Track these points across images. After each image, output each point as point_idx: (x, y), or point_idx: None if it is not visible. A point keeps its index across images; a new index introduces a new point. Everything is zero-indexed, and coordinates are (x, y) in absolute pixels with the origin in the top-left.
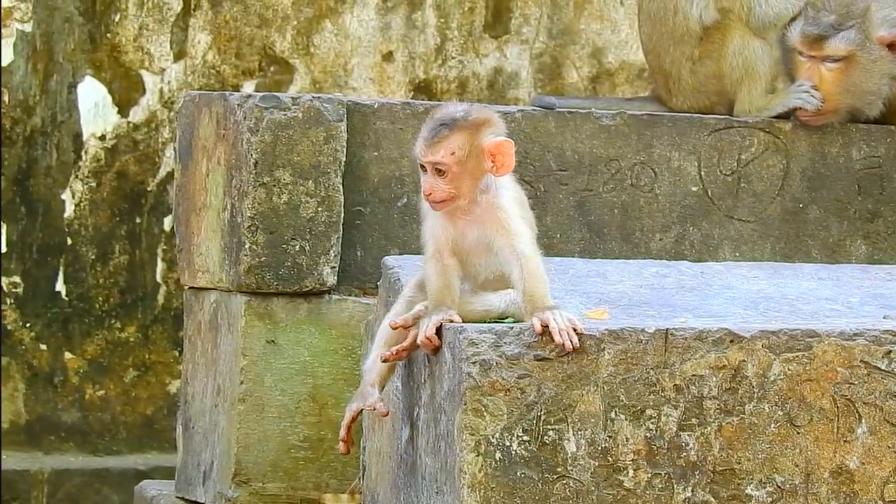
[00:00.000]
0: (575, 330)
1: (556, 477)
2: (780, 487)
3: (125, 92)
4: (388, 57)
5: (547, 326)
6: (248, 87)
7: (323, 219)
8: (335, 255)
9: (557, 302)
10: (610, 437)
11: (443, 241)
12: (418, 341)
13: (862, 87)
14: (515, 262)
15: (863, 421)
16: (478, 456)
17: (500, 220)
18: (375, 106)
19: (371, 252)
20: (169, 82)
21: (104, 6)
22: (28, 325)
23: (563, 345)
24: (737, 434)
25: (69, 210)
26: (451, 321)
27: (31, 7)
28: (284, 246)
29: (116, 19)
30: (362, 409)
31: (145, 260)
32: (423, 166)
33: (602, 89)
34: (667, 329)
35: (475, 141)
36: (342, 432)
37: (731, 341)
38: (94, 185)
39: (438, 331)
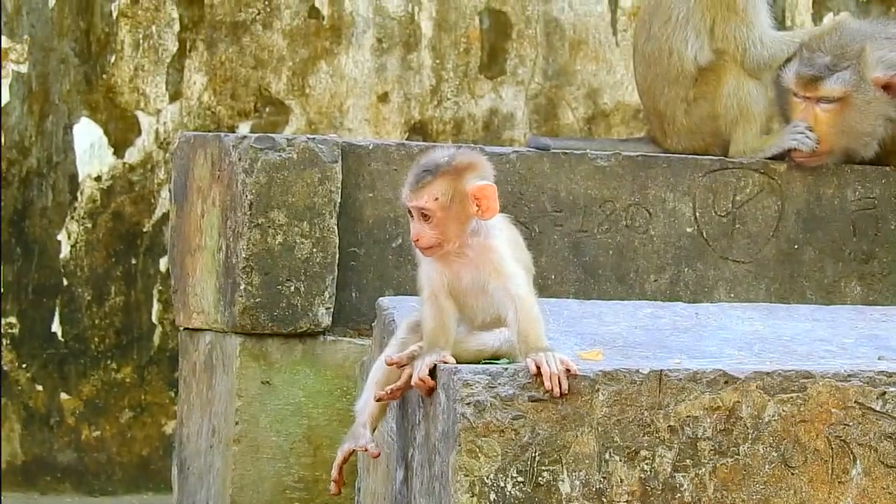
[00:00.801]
0: (569, 371)
1: None
2: None
3: (121, 133)
4: (383, 98)
5: (540, 368)
6: (244, 128)
7: (318, 260)
8: (330, 296)
9: (552, 343)
10: (604, 478)
11: (438, 284)
12: (412, 382)
13: (857, 128)
14: (510, 303)
15: (857, 462)
16: (472, 497)
17: (493, 262)
18: (370, 147)
19: (366, 293)
20: (165, 123)
21: (100, 47)
22: (24, 365)
23: (552, 390)
24: (731, 475)
25: (65, 251)
26: (445, 362)
27: (26, 48)
28: (279, 287)
29: (112, 60)
30: (354, 450)
31: (141, 301)
32: (410, 212)
33: (598, 130)
34: (661, 370)
35: (458, 186)
36: (334, 472)
37: (726, 382)
38: (89, 225)
39: (432, 372)
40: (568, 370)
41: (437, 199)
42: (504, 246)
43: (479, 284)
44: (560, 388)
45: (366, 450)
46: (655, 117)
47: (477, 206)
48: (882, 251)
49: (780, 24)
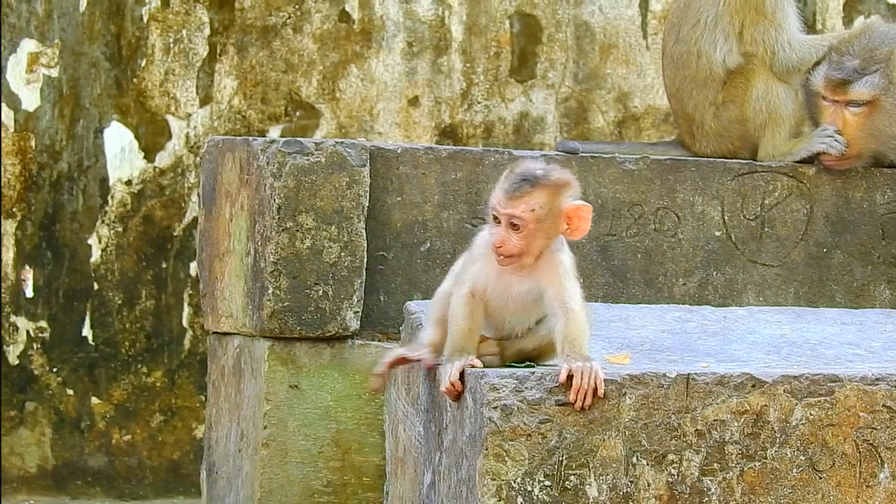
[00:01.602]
0: (596, 391)
1: None
2: None
3: (151, 137)
4: (413, 102)
5: (572, 378)
6: (274, 132)
7: (346, 264)
8: (358, 300)
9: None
10: (631, 482)
11: (481, 286)
12: (441, 389)
13: (886, 131)
14: (563, 314)
15: (885, 466)
16: (499, 501)
17: (558, 273)
18: (398, 151)
19: (394, 297)
20: (195, 127)
21: (130, 51)
22: (55, 369)
23: (574, 403)
24: (759, 479)
25: (95, 255)
26: (473, 366)
27: (57, 52)
28: (307, 291)
29: (143, 64)
30: (406, 358)
31: (171, 305)
32: (496, 217)
33: (628, 134)
34: (688, 374)
35: (555, 201)
36: (381, 368)
37: (753, 386)
38: (120, 229)
39: (461, 376)
40: (595, 390)
41: (533, 210)
42: (570, 264)
43: (533, 294)
44: (583, 403)
45: (420, 360)
46: (684, 120)
47: (568, 224)
48: None
49: (811, 27)
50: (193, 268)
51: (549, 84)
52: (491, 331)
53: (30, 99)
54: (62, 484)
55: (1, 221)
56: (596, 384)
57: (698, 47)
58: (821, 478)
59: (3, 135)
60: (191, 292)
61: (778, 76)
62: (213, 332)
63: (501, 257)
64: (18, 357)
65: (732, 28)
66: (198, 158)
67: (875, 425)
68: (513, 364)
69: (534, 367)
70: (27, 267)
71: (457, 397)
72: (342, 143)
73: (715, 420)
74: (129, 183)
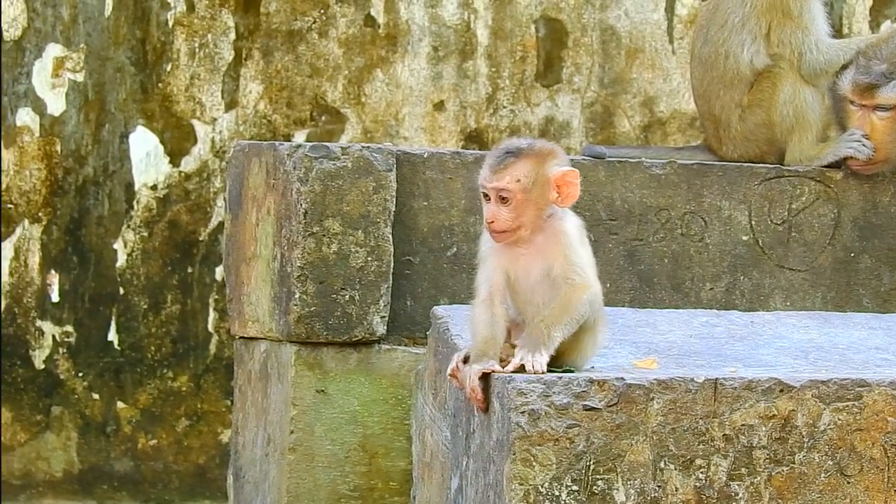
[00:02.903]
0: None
1: None
2: None
3: (177, 141)
4: (439, 106)
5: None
6: (300, 136)
7: (372, 268)
8: (385, 305)
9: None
10: (659, 486)
11: (497, 286)
12: (466, 394)
13: None
14: (563, 289)
15: None
16: None
17: (562, 245)
18: (425, 155)
19: (421, 302)
20: (220, 132)
21: (156, 56)
22: (80, 374)
23: (468, 396)
24: (787, 484)
25: (121, 260)
26: (494, 371)
27: (82, 57)
28: (334, 296)
29: (168, 69)
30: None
31: (197, 309)
32: (486, 195)
33: (654, 138)
34: (716, 379)
35: (541, 170)
36: (478, 394)
37: (781, 391)
38: (145, 234)
39: (484, 379)
40: (483, 392)
41: (518, 180)
42: (575, 232)
43: (547, 275)
44: (475, 396)
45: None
46: (711, 123)
47: (558, 192)
48: None
49: (838, 31)
50: (219, 272)
51: (574, 88)
52: (523, 324)
53: (55, 104)
54: (88, 488)
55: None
56: (474, 381)
57: (726, 48)
58: (849, 482)
59: (28, 140)
60: (216, 297)
61: (805, 79)
62: (240, 337)
63: (495, 233)
64: (44, 362)
65: (759, 30)
66: (223, 163)
67: None
68: (551, 368)
69: (571, 371)
70: (53, 272)
71: (481, 403)
72: (369, 147)
73: (743, 425)
74: (154, 188)
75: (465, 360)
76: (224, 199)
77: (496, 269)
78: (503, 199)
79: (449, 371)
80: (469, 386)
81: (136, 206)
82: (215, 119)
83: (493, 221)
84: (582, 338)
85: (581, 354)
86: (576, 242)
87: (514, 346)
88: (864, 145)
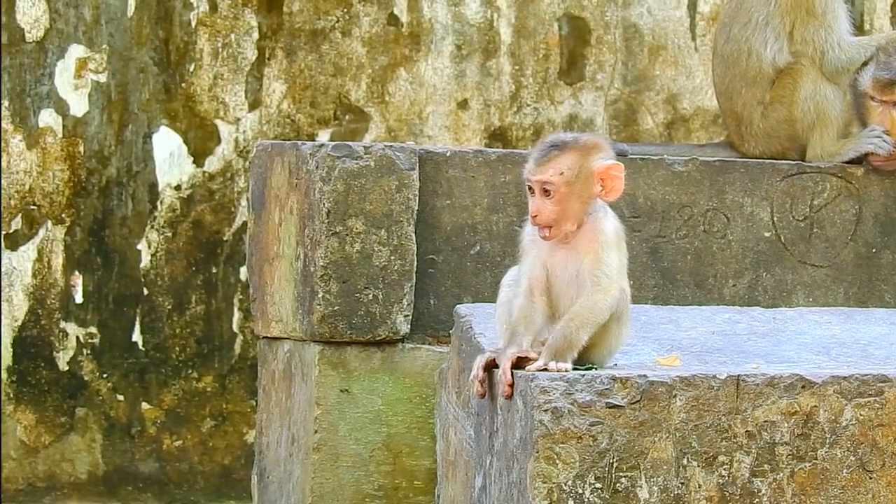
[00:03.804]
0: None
1: None
2: None
3: (200, 141)
4: (462, 105)
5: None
6: (324, 135)
7: (396, 267)
8: (408, 304)
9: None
10: (682, 483)
11: (537, 279)
12: (498, 381)
13: None
14: (588, 288)
15: None
16: None
17: (597, 243)
18: (447, 154)
19: (444, 300)
20: (244, 132)
21: (179, 56)
22: (105, 375)
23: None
24: (809, 480)
25: (145, 260)
26: (527, 356)
27: (105, 58)
28: (357, 295)
29: (191, 69)
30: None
31: (221, 309)
32: (530, 188)
33: (677, 135)
34: (738, 375)
35: (585, 163)
36: (509, 377)
37: (803, 387)
38: (169, 234)
39: (517, 364)
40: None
41: (562, 173)
42: (612, 233)
43: (580, 271)
44: (506, 378)
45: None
46: (733, 120)
47: (602, 185)
48: None
49: (859, 28)
50: (243, 272)
51: (598, 86)
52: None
53: (78, 104)
54: (113, 490)
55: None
56: (508, 382)
57: (748, 45)
58: (871, 478)
59: (51, 141)
60: (241, 297)
61: (827, 77)
62: (264, 337)
63: (540, 228)
64: (68, 363)
65: (783, 27)
66: (247, 163)
67: None
68: (574, 367)
69: (594, 368)
70: (76, 273)
71: (510, 390)
72: (391, 146)
73: (765, 421)
74: (178, 188)
75: (487, 366)
76: (247, 199)
77: (536, 262)
78: (546, 191)
79: (472, 376)
80: (502, 368)
81: (159, 207)
82: (239, 119)
83: (536, 215)
84: (605, 335)
85: (605, 351)
86: (611, 242)
87: (542, 343)
88: (884, 141)
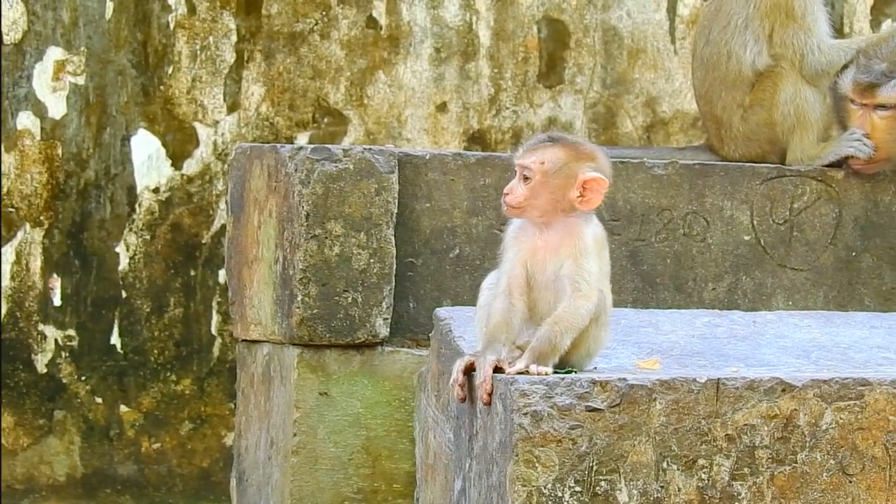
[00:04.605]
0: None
1: None
2: None
3: (179, 144)
4: (441, 108)
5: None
6: (302, 138)
7: (375, 270)
8: (387, 307)
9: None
10: (662, 487)
11: (516, 280)
12: (477, 385)
13: None
14: (568, 294)
15: None
16: None
17: (577, 248)
18: (427, 157)
19: (423, 303)
20: (223, 134)
21: (157, 59)
22: (83, 378)
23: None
24: (789, 483)
25: (123, 263)
26: (502, 366)
27: (83, 60)
28: (337, 298)
29: (169, 72)
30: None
31: (200, 312)
32: (517, 171)
33: (656, 138)
34: (718, 379)
35: (571, 165)
36: (488, 387)
37: (783, 390)
38: (148, 237)
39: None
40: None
41: (543, 163)
42: (591, 238)
43: (559, 274)
44: (484, 387)
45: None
46: (713, 123)
47: (581, 194)
48: None
49: (839, 31)
50: (222, 275)
51: (577, 89)
52: (534, 322)
53: (56, 107)
54: (92, 492)
55: None
56: (487, 385)
57: (728, 49)
58: (851, 482)
59: (29, 143)
60: (219, 300)
61: (807, 80)
62: (242, 340)
63: (505, 204)
64: (47, 366)
65: (763, 30)
66: (226, 166)
67: None
68: (554, 370)
69: (574, 371)
70: (55, 275)
71: (488, 398)
72: (370, 149)
73: (745, 425)
74: (156, 191)
75: (467, 370)
76: (226, 202)
77: (516, 261)
78: (525, 177)
79: (451, 380)
80: (482, 376)
81: (138, 210)
82: (217, 122)
83: (507, 193)
84: (584, 338)
85: (584, 352)
86: (590, 248)
87: (519, 348)
88: (864, 144)
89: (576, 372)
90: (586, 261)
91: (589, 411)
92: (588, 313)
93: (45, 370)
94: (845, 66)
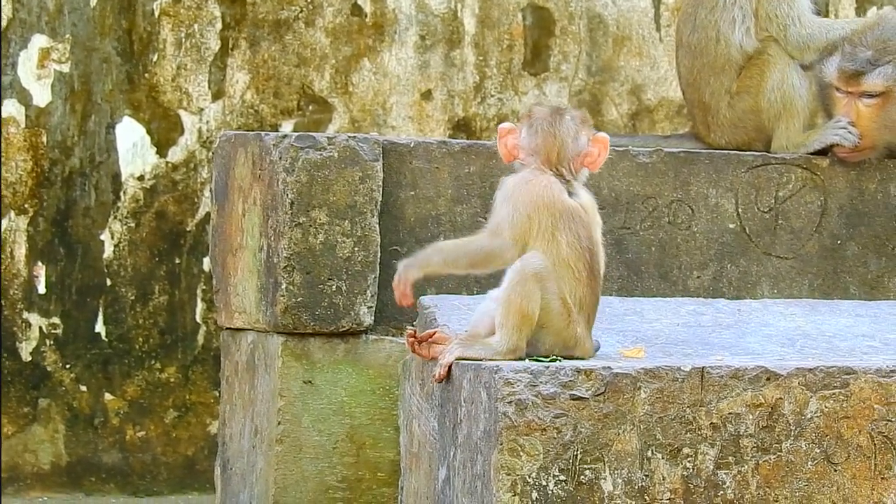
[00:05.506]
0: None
1: None
2: None
3: (163, 132)
4: (426, 95)
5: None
6: (287, 126)
7: (359, 258)
8: (372, 295)
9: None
10: (646, 476)
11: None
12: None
13: None
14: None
15: None
16: (514, 496)
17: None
18: (411, 145)
19: None
20: (207, 122)
21: (142, 46)
22: (68, 366)
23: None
24: (774, 472)
25: (108, 251)
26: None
27: (68, 48)
28: (321, 286)
29: (154, 59)
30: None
31: (185, 300)
32: None
33: (641, 126)
34: (703, 367)
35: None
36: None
37: (768, 379)
38: (132, 225)
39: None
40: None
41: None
42: (510, 184)
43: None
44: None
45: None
46: (699, 110)
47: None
48: None
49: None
50: (206, 263)
51: (562, 77)
52: None
53: (41, 94)
54: (76, 480)
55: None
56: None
57: (717, 31)
58: (836, 470)
59: (14, 131)
60: (204, 288)
61: (791, 54)
62: (227, 328)
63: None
64: (31, 354)
65: (749, 4)
66: (210, 153)
67: (890, 417)
68: (537, 357)
69: (557, 360)
70: (39, 263)
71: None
72: (355, 137)
73: (730, 413)
74: (141, 178)
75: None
76: (211, 190)
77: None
78: None
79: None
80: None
81: (122, 197)
82: (202, 109)
83: None
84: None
85: (547, 321)
86: (501, 194)
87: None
88: (850, 132)
89: (559, 360)
90: (495, 205)
91: (573, 400)
92: (479, 247)
93: (29, 358)
94: (830, 53)
